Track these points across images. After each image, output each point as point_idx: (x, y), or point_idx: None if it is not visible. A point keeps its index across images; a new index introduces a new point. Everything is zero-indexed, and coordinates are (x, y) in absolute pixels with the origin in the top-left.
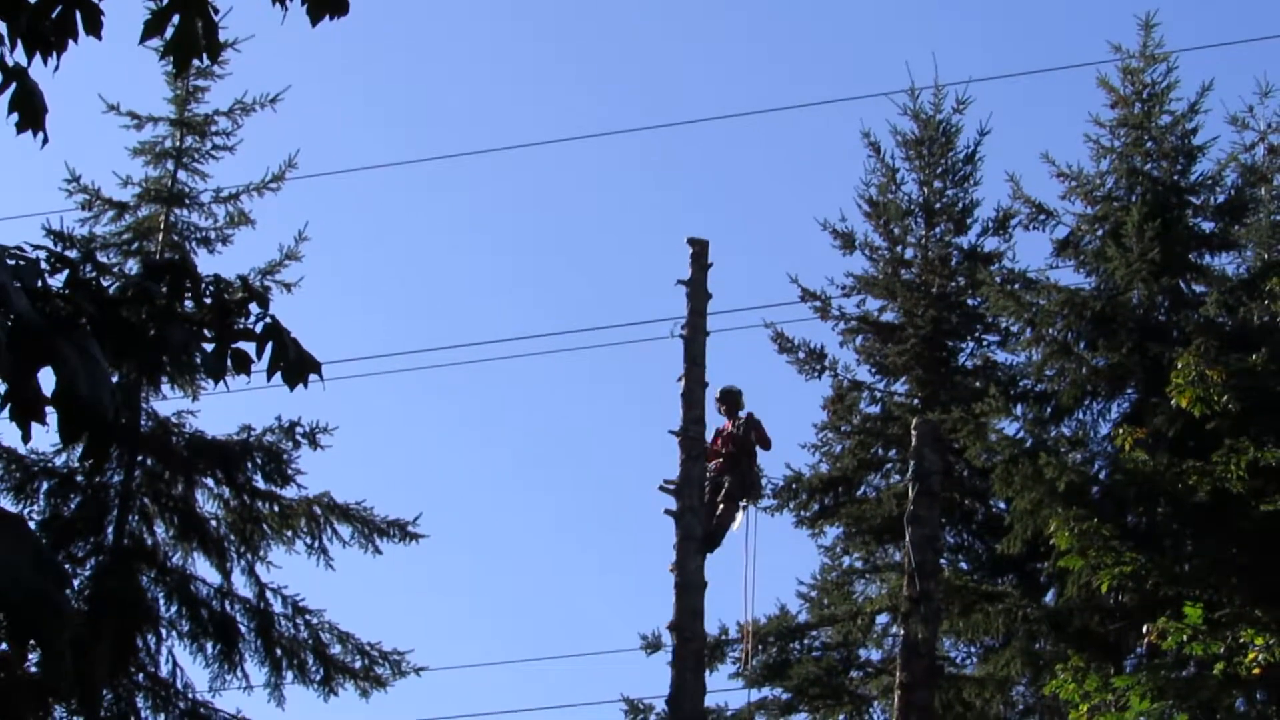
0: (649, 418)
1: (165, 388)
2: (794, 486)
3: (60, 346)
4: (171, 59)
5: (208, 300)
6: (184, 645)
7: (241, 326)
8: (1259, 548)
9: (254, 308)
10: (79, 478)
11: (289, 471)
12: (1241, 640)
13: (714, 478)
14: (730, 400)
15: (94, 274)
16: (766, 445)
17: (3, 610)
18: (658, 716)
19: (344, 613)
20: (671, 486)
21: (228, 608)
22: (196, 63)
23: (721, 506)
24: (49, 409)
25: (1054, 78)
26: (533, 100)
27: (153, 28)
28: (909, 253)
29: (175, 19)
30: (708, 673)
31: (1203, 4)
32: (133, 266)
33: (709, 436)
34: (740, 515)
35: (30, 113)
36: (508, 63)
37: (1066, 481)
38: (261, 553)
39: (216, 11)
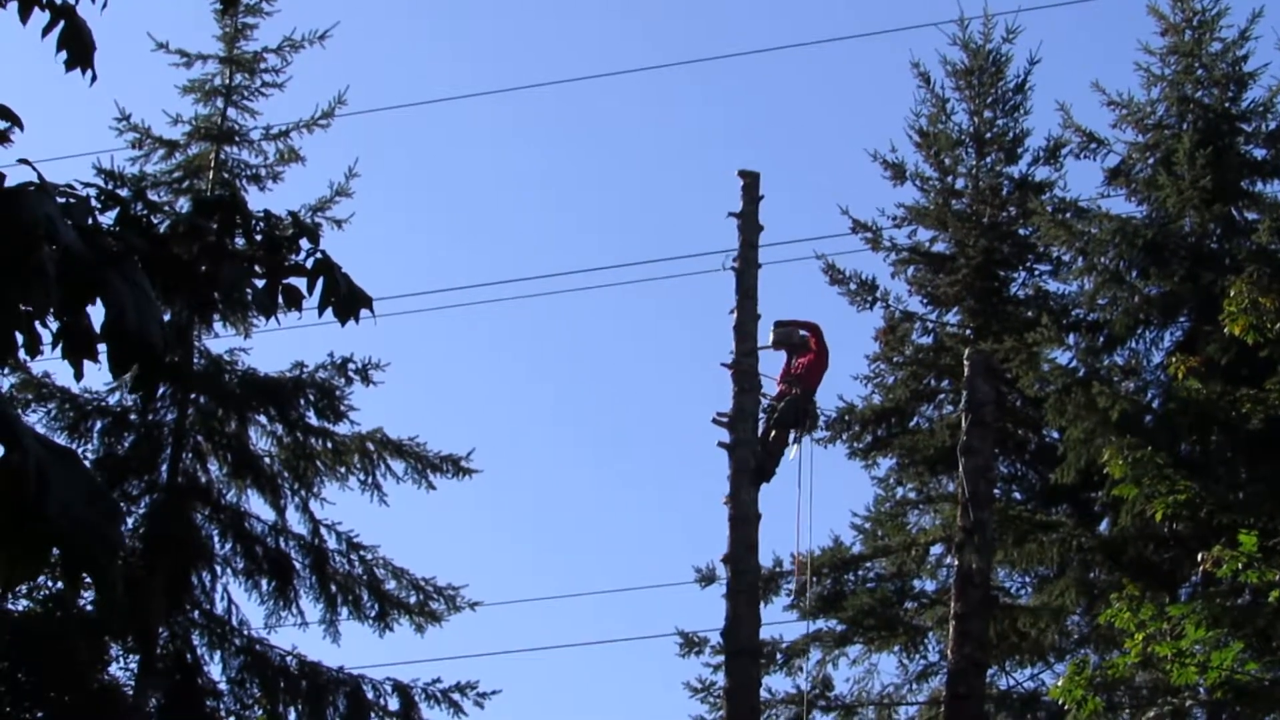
0: (701, 350)
1: (217, 325)
2: (847, 418)
3: (109, 278)
4: None
5: (258, 236)
6: (239, 582)
7: (293, 262)
8: None
9: (305, 243)
10: (132, 416)
11: (342, 408)
12: None
13: (771, 404)
14: (786, 342)
15: (145, 212)
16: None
17: (56, 543)
18: (712, 649)
19: (398, 548)
20: (724, 419)
21: (282, 544)
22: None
23: (774, 433)
24: (101, 346)
25: (1104, 5)
26: (584, 33)
27: None
28: (960, 183)
29: None
30: (762, 605)
31: None
32: (183, 204)
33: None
34: (796, 446)
35: (79, 50)
36: None
37: (1120, 410)
38: (315, 489)
39: None
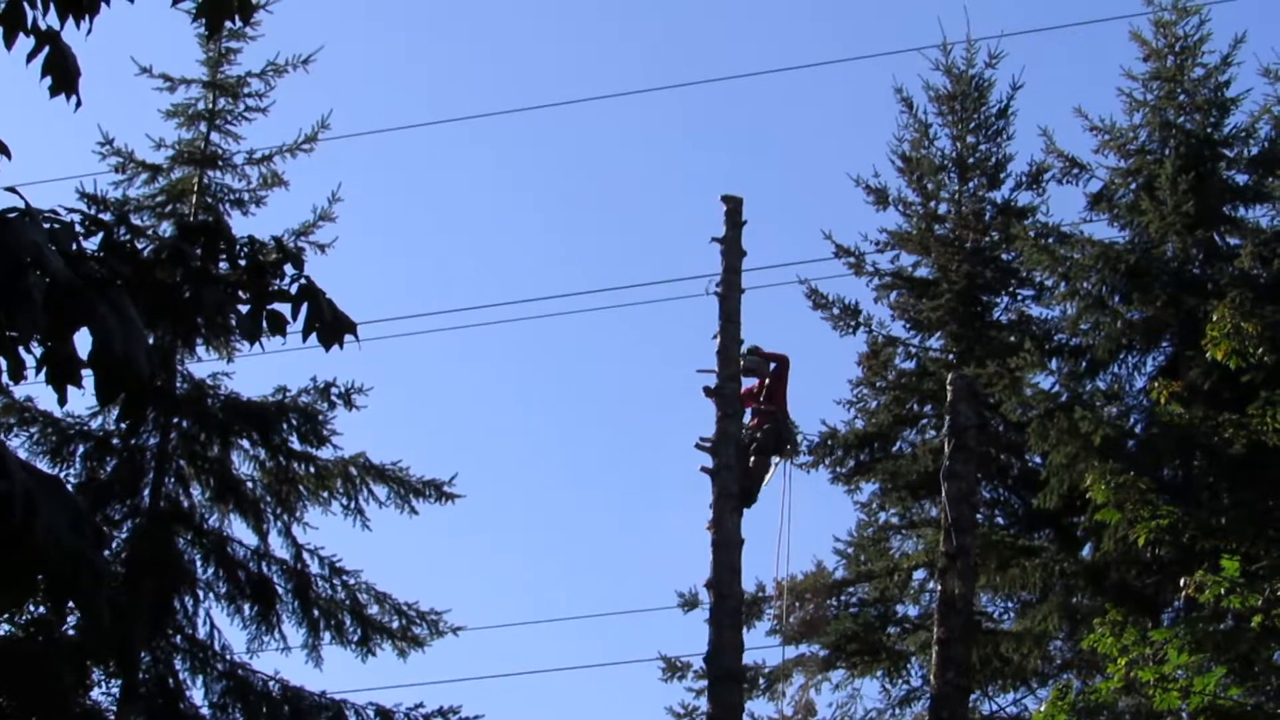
0: (685, 375)
1: (200, 350)
2: (829, 443)
3: (97, 306)
4: (204, 20)
5: (242, 262)
6: (221, 607)
7: (276, 287)
8: None
9: (289, 269)
10: (115, 440)
11: (325, 432)
12: (1279, 593)
13: (750, 433)
14: (755, 371)
15: (128, 236)
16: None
17: (42, 571)
18: (695, 674)
19: (381, 573)
20: (708, 444)
21: (265, 569)
22: (229, 24)
23: (754, 459)
24: (85, 370)
25: (1086, 31)
26: (566, 57)
27: None
28: (942, 208)
29: None
30: (745, 630)
31: None
32: (167, 229)
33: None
34: (773, 468)
35: (63, 76)
36: (541, 19)
37: (1102, 435)
38: (298, 514)
39: None
